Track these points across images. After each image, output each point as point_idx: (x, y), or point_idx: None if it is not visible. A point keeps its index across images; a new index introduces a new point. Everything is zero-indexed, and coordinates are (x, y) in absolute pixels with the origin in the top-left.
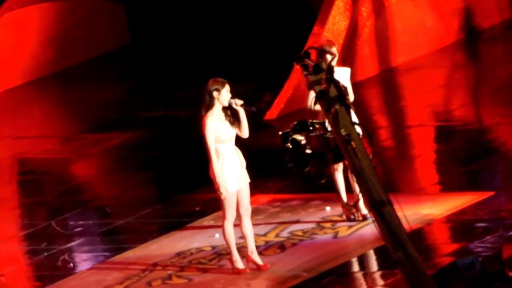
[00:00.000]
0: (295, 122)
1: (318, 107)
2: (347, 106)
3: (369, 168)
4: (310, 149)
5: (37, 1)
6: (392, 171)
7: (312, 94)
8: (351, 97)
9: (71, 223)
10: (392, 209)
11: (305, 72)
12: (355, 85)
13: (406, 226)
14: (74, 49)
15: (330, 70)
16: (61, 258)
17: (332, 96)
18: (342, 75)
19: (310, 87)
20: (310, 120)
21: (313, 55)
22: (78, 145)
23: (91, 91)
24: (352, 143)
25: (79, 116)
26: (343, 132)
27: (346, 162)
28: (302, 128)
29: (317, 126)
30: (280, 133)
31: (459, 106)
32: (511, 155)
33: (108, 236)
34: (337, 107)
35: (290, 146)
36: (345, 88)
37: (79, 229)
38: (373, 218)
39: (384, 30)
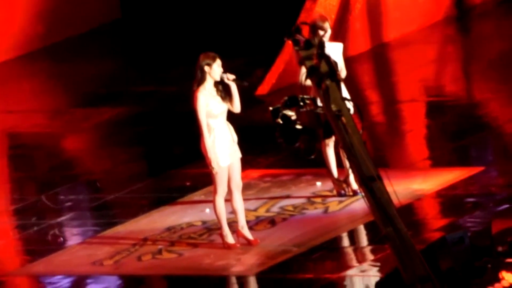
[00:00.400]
0: (286, 98)
1: (309, 82)
2: (338, 81)
3: (359, 143)
4: (300, 124)
5: None
6: (382, 146)
7: (303, 70)
8: (344, 72)
9: (62, 197)
10: (382, 185)
11: (296, 48)
12: (347, 60)
13: (396, 201)
14: (64, 23)
15: (321, 45)
16: (51, 232)
17: (323, 71)
18: (335, 50)
19: (301, 62)
20: (301, 96)
21: (305, 30)
22: (68, 120)
23: (81, 65)
24: (343, 118)
25: (69, 91)
26: (333, 107)
27: (337, 138)
28: (292, 103)
29: (307, 101)
30: (271, 108)
31: (450, 82)
32: (501, 131)
33: (98, 211)
34: (328, 82)
35: (281, 122)
36: (336, 63)
37: (69, 203)
38: (363, 193)
39: (375, 6)
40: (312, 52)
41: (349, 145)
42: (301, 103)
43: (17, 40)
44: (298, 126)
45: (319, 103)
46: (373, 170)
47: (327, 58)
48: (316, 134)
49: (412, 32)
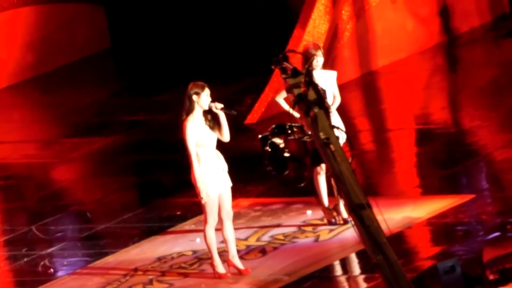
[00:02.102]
0: (274, 125)
1: (282, 101)
2: (326, 109)
3: (348, 171)
4: (288, 152)
5: (17, 5)
6: (373, 174)
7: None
8: (338, 100)
9: (52, 228)
10: (372, 213)
11: (283, 76)
12: None
13: (385, 229)
14: (54, 52)
15: (309, 73)
16: (42, 263)
17: (311, 99)
18: (328, 78)
19: (289, 90)
20: (289, 124)
21: (293, 58)
22: (59, 150)
23: (71, 95)
24: (331, 146)
25: (59, 121)
26: (322, 135)
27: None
28: (280, 131)
29: (295, 129)
30: (259, 136)
31: (439, 109)
32: (491, 158)
33: (89, 241)
34: (316, 110)
35: (269, 150)
36: (324, 91)
37: (60, 234)
38: (353, 222)
39: (364, 33)
40: (299, 80)
41: (338, 173)
42: (289, 131)
43: (7, 70)
44: (287, 154)
45: (307, 131)
46: (362, 198)
47: (315, 86)
48: (304, 162)
49: (401, 60)
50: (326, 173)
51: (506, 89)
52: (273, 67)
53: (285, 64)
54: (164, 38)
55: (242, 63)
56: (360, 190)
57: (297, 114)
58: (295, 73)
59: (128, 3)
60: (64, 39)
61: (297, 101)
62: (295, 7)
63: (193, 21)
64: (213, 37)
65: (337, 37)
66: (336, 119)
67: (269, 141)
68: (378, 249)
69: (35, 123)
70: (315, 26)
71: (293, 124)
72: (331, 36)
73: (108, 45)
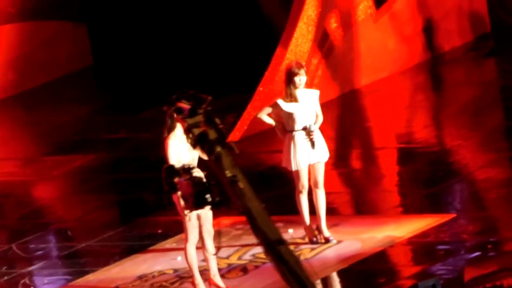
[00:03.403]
0: (165, 167)
1: (265, 117)
2: (228, 147)
3: (259, 208)
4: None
5: None
6: (354, 193)
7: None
8: (320, 119)
9: (32, 246)
10: (288, 248)
11: (180, 116)
12: None
13: (307, 265)
14: (36, 70)
15: (208, 112)
16: (22, 282)
17: (212, 138)
18: (311, 97)
19: (188, 130)
20: (182, 166)
21: (185, 100)
22: (40, 168)
23: (53, 113)
24: (240, 184)
25: (40, 138)
26: (228, 173)
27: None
28: (171, 173)
29: (185, 170)
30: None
31: (421, 128)
32: (472, 177)
33: (69, 259)
34: (218, 149)
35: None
36: (224, 131)
37: (40, 252)
38: (269, 259)
39: (347, 52)
40: (198, 119)
41: (248, 211)
42: (180, 172)
43: None
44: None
45: (195, 172)
46: (278, 234)
47: (215, 125)
48: (189, 201)
49: (383, 79)
50: (309, 192)
51: (487, 109)
52: (165, 108)
53: (181, 104)
54: (147, 56)
55: (223, 81)
56: (275, 226)
57: (274, 123)
58: (193, 112)
59: (110, 20)
60: (46, 56)
61: (198, 141)
62: (277, 26)
63: (176, 40)
64: (195, 56)
65: (319, 56)
66: (318, 138)
67: (168, 182)
68: (299, 284)
69: (16, 141)
70: (298, 45)
71: (185, 165)
72: (313, 54)
73: (90, 63)
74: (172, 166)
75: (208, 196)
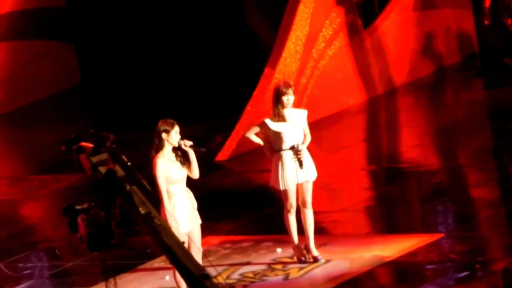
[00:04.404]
0: (65, 206)
1: (253, 137)
2: (137, 183)
3: (179, 243)
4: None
5: None
6: (342, 213)
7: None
8: (308, 138)
9: (20, 265)
10: (213, 282)
11: (83, 155)
12: None
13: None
14: (23, 89)
15: (113, 149)
16: None
17: (120, 176)
18: (299, 117)
19: (94, 169)
20: (81, 206)
21: (87, 139)
22: (27, 187)
23: (40, 132)
24: (156, 220)
25: (28, 157)
26: (142, 211)
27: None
28: (70, 211)
29: (84, 209)
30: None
31: (409, 148)
32: (461, 197)
33: (57, 278)
34: (128, 187)
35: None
36: (131, 167)
37: (28, 271)
38: None
39: (334, 72)
40: (103, 157)
41: (168, 248)
42: (79, 211)
43: None
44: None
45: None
46: (202, 268)
47: (122, 162)
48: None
49: (370, 99)
50: (298, 211)
51: (474, 129)
52: (63, 148)
53: (83, 143)
54: (134, 76)
55: (212, 101)
56: (195, 260)
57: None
58: (96, 150)
59: (98, 41)
60: (33, 75)
61: (107, 179)
62: (266, 46)
63: (163, 60)
64: (183, 76)
65: (308, 75)
66: (306, 158)
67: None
68: None
69: (3, 160)
70: (286, 64)
71: (84, 206)
72: (302, 74)
73: (78, 82)
74: (72, 206)
75: (103, 238)
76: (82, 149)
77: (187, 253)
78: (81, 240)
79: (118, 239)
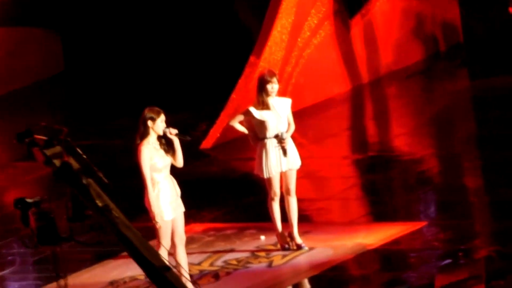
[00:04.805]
0: (15, 199)
1: (237, 125)
2: (94, 176)
3: (138, 236)
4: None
5: None
6: (326, 201)
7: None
8: (292, 127)
9: (3, 251)
10: (174, 273)
11: (37, 148)
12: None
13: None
14: (7, 77)
15: (66, 141)
16: None
17: (75, 168)
18: (283, 105)
19: (48, 162)
20: (30, 199)
21: (40, 132)
22: (11, 173)
23: (24, 119)
24: (114, 213)
25: (11, 145)
26: (99, 203)
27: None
28: (22, 205)
29: (34, 203)
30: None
31: (393, 137)
32: (444, 186)
33: (40, 265)
34: (84, 180)
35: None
36: (87, 160)
37: (11, 257)
38: (157, 285)
39: (319, 61)
40: (57, 150)
41: (127, 240)
42: (30, 204)
43: None
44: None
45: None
46: (162, 260)
47: (77, 154)
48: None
49: (355, 88)
50: (281, 199)
51: (458, 118)
52: (14, 141)
53: (36, 136)
54: (119, 63)
55: (197, 89)
56: (157, 252)
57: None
58: (49, 143)
59: (83, 27)
60: (17, 63)
61: (62, 172)
62: (251, 34)
63: (149, 47)
64: (168, 63)
65: (293, 64)
66: (290, 146)
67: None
68: None
69: None
70: (271, 53)
71: (35, 199)
72: (287, 63)
73: (61, 69)
74: (23, 199)
75: (53, 231)
76: (35, 142)
77: (146, 245)
78: (32, 234)
79: (69, 233)
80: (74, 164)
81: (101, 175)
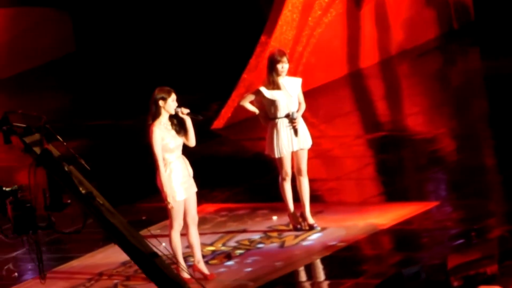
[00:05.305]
0: None
1: (248, 105)
2: (75, 162)
3: (124, 222)
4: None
5: None
6: (337, 181)
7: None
8: (303, 106)
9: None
10: (162, 259)
11: (17, 136)
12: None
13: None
14: (19, 57)
15: (45, 128)
16: (6, 267)
17: (56, 155)
18: (294, 85)
19: (28, 150)
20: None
21: (15, 118)
22: (22, 154)
23: (35, 99)
24: (98, 199)
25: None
26: (82, 190)
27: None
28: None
29: (12, 191)
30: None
31: (405, 116)
32: (456, 165)
33: (53, 245)
34: (66, 167)
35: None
36: (67, 147)
37: (24, 238)
38: (143, 272)
39: (330, 40)
40: (36, 137)
41: (113, 227)
42: (8, 193)
43: None
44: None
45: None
46: (149, 247)
47: (58, 141)
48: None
49: (367, 67)
50: (293, 179)
51: (470, 97)
52: None
53: (16, 124)
54: (130, 43)
55: (208, 69)
56: (143, 239)
57: (254, 110)
58: (28, 131)
59: (94, 8)
60: (29, 43)
61: (43, 158)
62: (262, 14)
63: (160, 27)
64: (180, 43)
65: (304, 43)
66: (301, 126)
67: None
68: None
69: None
70: (282, 33)
71: (13, 188)
72: (298, 42)
73: (73, 49)
74: (0, 187)
75: (30, 220)
76: (13, 130)
77: (133, 232)
78: (10, 222)
79: (48, 222)
80: (55, 151)
81: (82, 162)
